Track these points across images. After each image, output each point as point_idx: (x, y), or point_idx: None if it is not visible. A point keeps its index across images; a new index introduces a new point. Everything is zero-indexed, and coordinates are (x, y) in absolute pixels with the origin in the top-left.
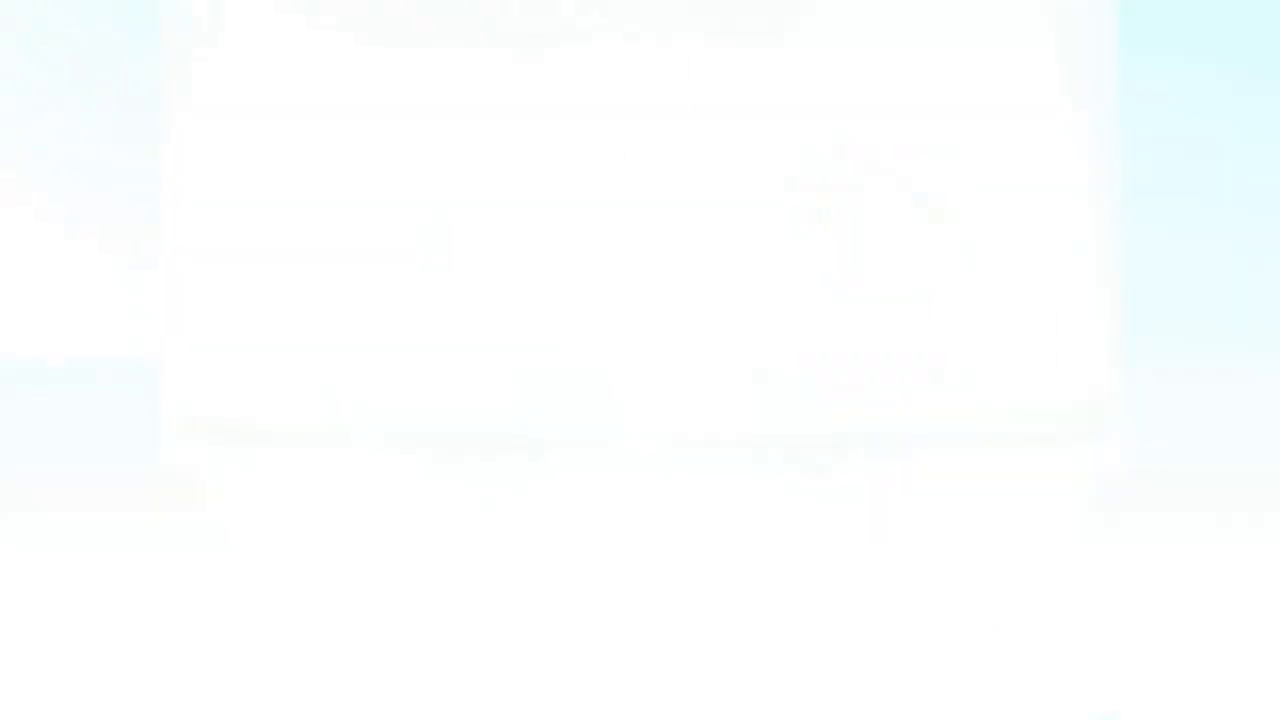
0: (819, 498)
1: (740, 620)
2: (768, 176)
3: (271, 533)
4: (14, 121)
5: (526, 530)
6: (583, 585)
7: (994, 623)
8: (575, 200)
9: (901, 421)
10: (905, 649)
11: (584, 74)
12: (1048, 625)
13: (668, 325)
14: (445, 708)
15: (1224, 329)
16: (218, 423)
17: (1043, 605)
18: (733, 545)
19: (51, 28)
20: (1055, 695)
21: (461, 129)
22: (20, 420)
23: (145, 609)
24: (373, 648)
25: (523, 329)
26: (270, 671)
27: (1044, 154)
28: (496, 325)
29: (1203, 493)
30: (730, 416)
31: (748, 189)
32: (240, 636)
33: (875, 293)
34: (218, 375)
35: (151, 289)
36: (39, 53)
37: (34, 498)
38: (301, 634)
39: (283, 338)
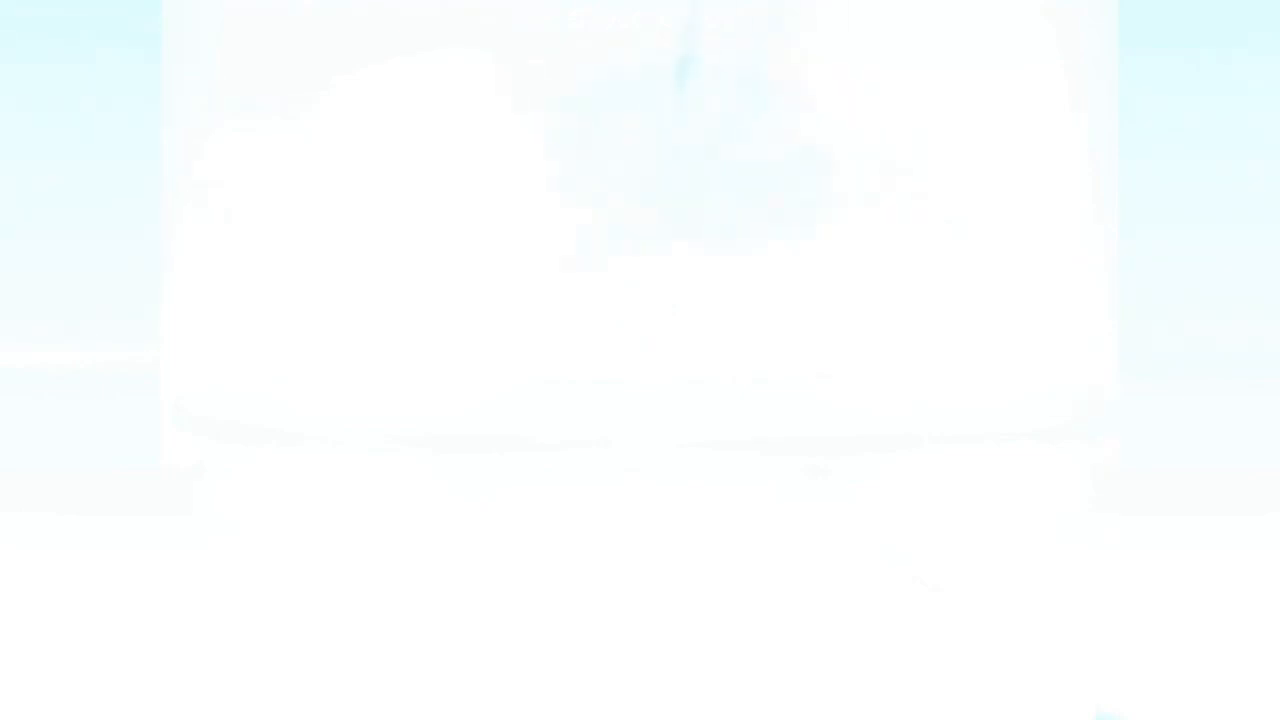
0: (819, 498)
1: (740, 619)
2: (767, 179)
3: (271, 532)
4: (14, 122)
5: (525, 530)
6: (582, 584)
7: (994, 621)
8: (574, 202)
9: (901, 421)
10: (905, 648)
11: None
12: (1047, 624)
13: (668, 327)
14: (444, 705)
15: (1223, 329)
16: (218, 423)
17: (1042, 603)
18: (733, 544)
19: (53, 20)
20: (1055, 695)
21: (462, 132)
22: (21, 420)
23: (145, 607)
24: (371, 646)
25: (523, 331)
26: (269, 669)
27: (1044, 154)
28: (497, 327)
29: (1202, 493)
30: (730, 418)
31: (747, 192)
32: (239, 634)
33: (876, 292)
34: (218, 375)
35: (152, 291)
36: (39, 49)
37: (35, 498)
38: (301, 632)
39: (282, 338)
